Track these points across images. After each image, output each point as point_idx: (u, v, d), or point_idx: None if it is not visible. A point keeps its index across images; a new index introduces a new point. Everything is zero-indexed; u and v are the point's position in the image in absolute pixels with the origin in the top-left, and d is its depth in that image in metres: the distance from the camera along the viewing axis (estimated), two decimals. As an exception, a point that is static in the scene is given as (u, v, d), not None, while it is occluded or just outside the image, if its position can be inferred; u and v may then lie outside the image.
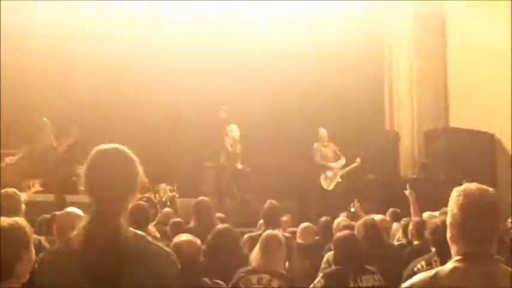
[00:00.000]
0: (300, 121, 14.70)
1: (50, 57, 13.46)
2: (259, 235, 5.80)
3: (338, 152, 13.35)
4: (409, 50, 15.61)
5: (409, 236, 7.38)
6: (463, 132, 14.12)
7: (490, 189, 2.72)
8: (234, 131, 12.72)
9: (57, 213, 5.78)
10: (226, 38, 14.75)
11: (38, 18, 13.42)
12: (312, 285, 5.29)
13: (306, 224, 8.06)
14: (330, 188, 13.16)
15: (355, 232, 6.08)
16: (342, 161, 13.29)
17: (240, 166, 12.66)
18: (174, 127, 14.42)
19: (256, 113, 14.25)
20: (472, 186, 2.71)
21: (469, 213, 2.64)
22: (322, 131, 13.33)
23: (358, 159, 13.30)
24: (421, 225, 7.07)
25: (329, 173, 13.21)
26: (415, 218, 7.67)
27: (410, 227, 7.37)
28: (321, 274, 5.45)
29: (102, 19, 13.88)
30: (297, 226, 8.27)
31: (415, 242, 7.07)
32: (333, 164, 13.23)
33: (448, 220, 2.73)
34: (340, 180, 13.21)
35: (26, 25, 13.12)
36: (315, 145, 13.34)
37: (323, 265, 6.02)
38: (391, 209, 9.08)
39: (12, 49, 12.87)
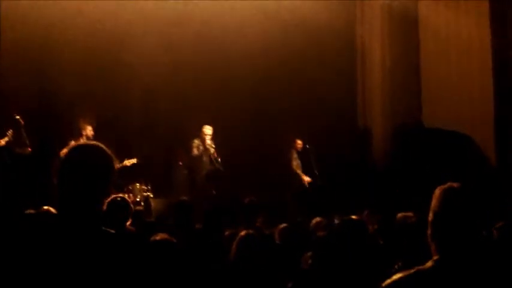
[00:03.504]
0: (268, 117, 14.84)
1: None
2: (238, 231, 5.80)
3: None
4: (381, 43, 15.50)
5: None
6: (434, 130, 14.15)
7: (473, 188, 2.74)
8: (208, 133, 12.70)
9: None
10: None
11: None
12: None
13: (284, 224, 8.00)
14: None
15: (335, 232, 6.06)
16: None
17: (218, 163, 12.63)
18: (148, 126, 14.37)
19: (228, 111, 14.25)
20: (455, 185, 2.75)
21: (452, 212, 2.67)
22: (299, 142, 14.12)
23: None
24: (385, 224, 7.08)
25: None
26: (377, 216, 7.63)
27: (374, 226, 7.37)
28: (295, 275, 5.44)
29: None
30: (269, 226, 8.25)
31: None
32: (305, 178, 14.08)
33: (430, 218, 2.75)
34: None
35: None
36: (292, 152, 14.11)
37: (301, 265, 6.00)
38: (367, 210, 9.09)
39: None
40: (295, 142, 14.15)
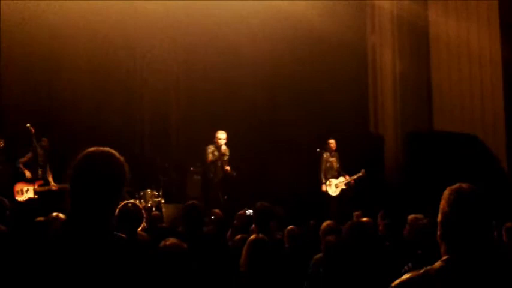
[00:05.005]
0: (279, 123, 14.85)
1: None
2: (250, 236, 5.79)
3: (338, 163, 13.97)
4: (392, 51, 15.47)
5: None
6: (446, 134, 14.11)
7: (482, 188, 2.73)
8: (222, 137, 12.52)
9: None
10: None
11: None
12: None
13: (291, 226, 7.96)
14: (335, 194, 13.77)
15: (343, 234, 6.05)
16: (341, 178, 13.89)
17: (228, 168, 12.47)
18: (159, 132, 14.41)
19: (240, 119, 14.26)
20: (464, 185, 2.74)
21: (461, 212, 2.66)
22: (332, 142, 13.89)
23: (362, 170, 13.91)
24: (391, 227, 7.08)
25: (334, 181, 13.77)
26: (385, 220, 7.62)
27: (380, 227, 7.36)
28: (307, 280, 5.44)
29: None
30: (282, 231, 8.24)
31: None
32: (333, 180, 13.82)
33: (439, 218, 2.74)
34: (344, 187, 13.90)
35: None
36: (324, 155, 13.85)
37: (311, 268, 5.99)
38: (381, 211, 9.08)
39: None
40: (327, 143, 13.94)
